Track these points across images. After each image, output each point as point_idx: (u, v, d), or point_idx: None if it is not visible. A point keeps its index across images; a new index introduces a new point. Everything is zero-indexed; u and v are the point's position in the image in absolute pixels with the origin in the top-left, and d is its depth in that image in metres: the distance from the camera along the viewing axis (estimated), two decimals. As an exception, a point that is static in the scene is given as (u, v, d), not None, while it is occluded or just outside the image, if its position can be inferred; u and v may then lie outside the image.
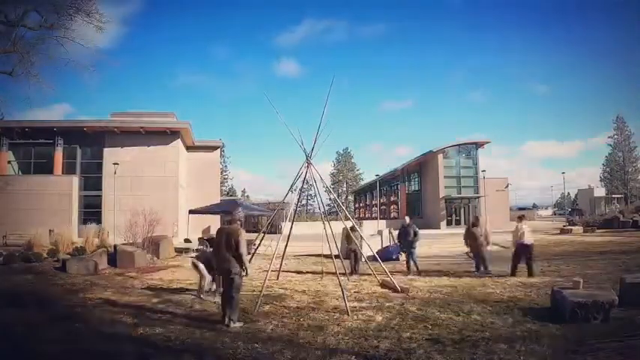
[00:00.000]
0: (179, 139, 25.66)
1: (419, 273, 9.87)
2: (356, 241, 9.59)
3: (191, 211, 19.78)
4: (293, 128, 7.95)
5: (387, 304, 6.74)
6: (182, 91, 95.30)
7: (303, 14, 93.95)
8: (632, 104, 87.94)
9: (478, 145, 37.48)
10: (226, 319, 5.58)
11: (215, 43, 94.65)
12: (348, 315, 6.04)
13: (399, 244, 11.71)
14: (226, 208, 22.70)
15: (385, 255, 12.08)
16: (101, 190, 24.26)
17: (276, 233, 9.52)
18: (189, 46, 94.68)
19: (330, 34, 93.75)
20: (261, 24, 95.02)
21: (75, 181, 24.01)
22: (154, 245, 13.58)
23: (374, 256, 9.10)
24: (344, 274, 8.75)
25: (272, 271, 8.15)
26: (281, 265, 9.48)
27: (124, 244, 13.11)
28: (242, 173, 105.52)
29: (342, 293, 6.62)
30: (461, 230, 13.43)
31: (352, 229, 9.69)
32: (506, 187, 36.68)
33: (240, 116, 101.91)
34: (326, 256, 9.39)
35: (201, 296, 7.33)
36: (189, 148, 28.46)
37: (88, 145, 25.35)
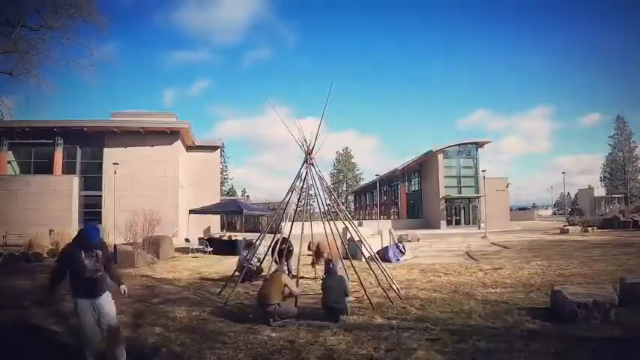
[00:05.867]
0: (179, 139, 25.66)
1: None
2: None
3: (191, 211, 19.79)
4: (293, 127, 7.89)
5: (387, 304, 6.74)
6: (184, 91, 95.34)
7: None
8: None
9: (478, 145, 37.48)
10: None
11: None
12: (347, 315, 6.03)
13: None
14: (226, 208, 22.78)
15: (382, 256, 11.96)
16: (101, 190, 24.23)
17: (276, 233, 9.47)
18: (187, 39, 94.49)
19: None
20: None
21: (75, 181, 23.99)
22: (154, 245, 13.58)
23: (372, 256, 9.07)
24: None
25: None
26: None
27: (124, 244, 13.11)
28: (242, 172, 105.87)
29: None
30: (461, 230, 13.38)
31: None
32: (507, 187, 36.68)
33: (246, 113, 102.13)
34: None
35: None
36: (189, 148, 28.45)
37: (88, 145, 25.32)
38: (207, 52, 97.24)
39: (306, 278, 9.43)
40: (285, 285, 5.99)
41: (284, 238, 9.18)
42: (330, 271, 6.68)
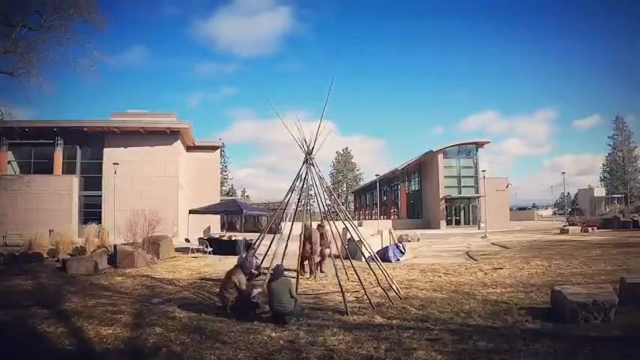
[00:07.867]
0: (179, 140, 25.67)
1: None
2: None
3: (191, 211, 19.78)
4: (293, 126, 7.88)
5: (387, 304, 6.74)
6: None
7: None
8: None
9: (478, 145, 37.47)
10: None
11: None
12: (347, 315, 6.03)
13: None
14: (226, 208, 22.80)
15: (382, 256, 11.92)
16: (101, 190, 24.24)
17: (276, 234, 9.47)
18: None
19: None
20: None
21: (75, 181, 23.99)
22: (154, 245, 13.57)
23: (372, 256, 9.06)
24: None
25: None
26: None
27: (124, 244, 13.10)
28: (243, 172, 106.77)
29: (342, 294, 6.61)
30: (461, 230, 13.36)
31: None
32: (507, 187, 36.67)
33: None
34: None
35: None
36: (189, 148, 28.46)
37: (88, 145, 25.33)
38: (230, 60, 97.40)
39: (306, 278, 9.43)
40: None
41: None
42: (275, 271, 6.23)
